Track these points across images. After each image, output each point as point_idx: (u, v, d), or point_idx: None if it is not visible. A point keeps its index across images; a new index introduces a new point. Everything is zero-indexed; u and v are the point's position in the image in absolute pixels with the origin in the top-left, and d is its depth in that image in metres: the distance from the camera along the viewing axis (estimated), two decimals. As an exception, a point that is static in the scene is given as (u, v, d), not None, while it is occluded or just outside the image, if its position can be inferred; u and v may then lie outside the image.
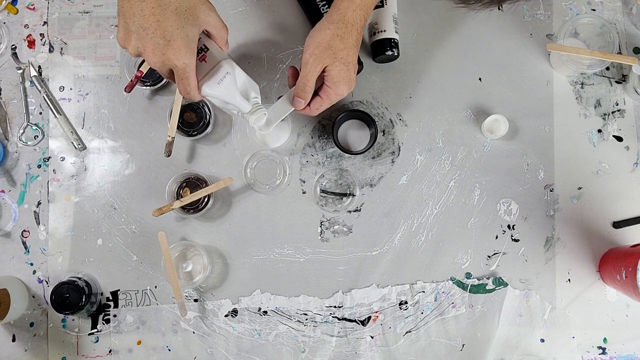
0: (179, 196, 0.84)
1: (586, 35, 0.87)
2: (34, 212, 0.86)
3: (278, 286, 0.84)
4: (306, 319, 0.84)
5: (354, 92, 0.88)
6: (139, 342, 0.84)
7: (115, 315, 0.84)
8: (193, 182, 0.84)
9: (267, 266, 0.85)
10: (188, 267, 0.83)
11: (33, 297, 0.85)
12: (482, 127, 0.85)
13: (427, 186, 0.86)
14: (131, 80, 0.83)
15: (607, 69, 0.88)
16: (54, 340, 0.84)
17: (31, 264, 0.85)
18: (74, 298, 0.79)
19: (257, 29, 0.89)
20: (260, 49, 0.89)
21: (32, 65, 0.88)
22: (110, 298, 0.84)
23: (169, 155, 0.83)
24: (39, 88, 0.88)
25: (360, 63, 0.85)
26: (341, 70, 0.71)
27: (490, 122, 0.84)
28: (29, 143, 0.87)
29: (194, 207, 0.83)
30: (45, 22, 0.90)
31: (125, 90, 0.83)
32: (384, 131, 0.87)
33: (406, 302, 0.84)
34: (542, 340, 0.84)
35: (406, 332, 0.84)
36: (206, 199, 0.83)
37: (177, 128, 0.83)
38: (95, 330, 0.84)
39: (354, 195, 0.85)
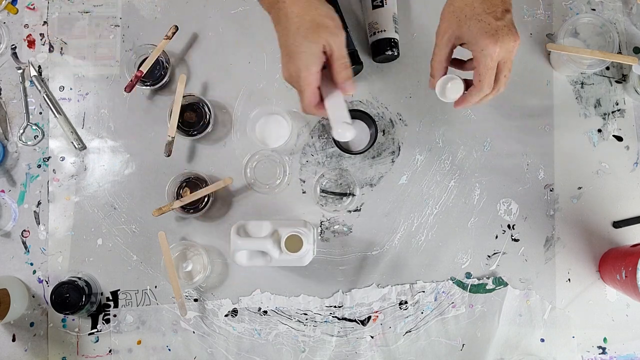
0: (179, 196, 0.84)
1: (586, 35, 0.87)
2: (34, 212, 0.86)
3: (278, 286, 0.84)
4: (306, 319, 0.84)
5: (354, 92, 0.88)
6: (139, 342, 0.84)
7: (115, 315, 0.84)
8: (193, 182, 0.84)
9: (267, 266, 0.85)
10: (188, 267, 0.83)
11: (33, 297, 0.85)
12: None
13: (427, 186, 0.86)
14: (131, 80, 0.83)
15: (607, 68, 0.88)
16: (54, 340, 0.84)
17: (31, 264, 0.85)
18: (74, 298, 0.79)
19: (257, 29, 0.89)
20: (260, 48, 0.88)
21: (32, 65, 0.88)
22: (110, 298, 0.84)
23: (169, 155, 0.83)
24: (39, 88, 0.88)
25: (360, 63, 0.85)
26: (472, 27, 0.62)
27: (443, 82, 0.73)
28: (28, 143, 0.87)
29: (194, 207, 0.83)
30: (45, 22, 0.90)
31: (125, 90, 0.83)
32: (384, 131, 0.87)
33: (406, 302, 0.84)
34: (542, 340, 0.84)
35: (406, 332, 0.84)
36: (206, 199, 0.83)
37: (177, 128, 0.83)
38: (95, 330, 0.84)
39: (354, 195, 0.85)
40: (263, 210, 0.86)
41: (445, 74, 0.68)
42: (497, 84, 0.64)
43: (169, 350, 0.83)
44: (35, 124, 0.87)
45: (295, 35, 0.60)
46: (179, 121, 0.83)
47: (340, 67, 0.63)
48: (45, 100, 0.87)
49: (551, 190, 0.86)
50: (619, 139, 0.87)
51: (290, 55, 0.61)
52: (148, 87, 0.86)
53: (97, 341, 0.84)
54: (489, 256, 0.85)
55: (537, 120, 0.87)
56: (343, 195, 0.86)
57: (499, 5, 0.62)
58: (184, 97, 0.83)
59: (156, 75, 0.86)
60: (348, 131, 0.66)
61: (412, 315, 0.84)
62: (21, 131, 0.87)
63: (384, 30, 0.84)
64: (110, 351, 0.83)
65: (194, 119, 0.85)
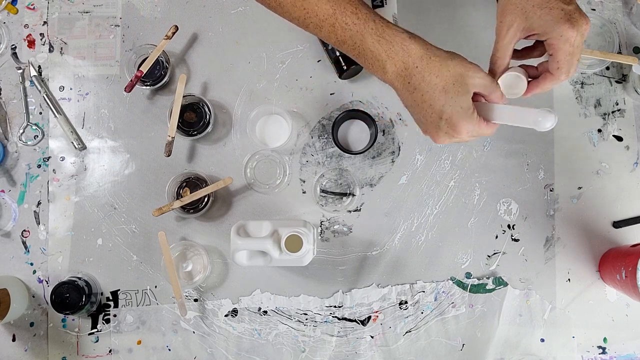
0: (179, 196, 0.84)
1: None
2: (34, 212, 0.86)
3: (278, 286, 0.84)
4: (306, 319, 0.84)
5: (353, 92, 0.88)
6: (139, 342, 0.84)
7: (115, 315, 0.84)
8: (193, 182, 0.84)
9: (267, 266, 0.85)
10: (188, 267, 0.83)
11: (33, 297, 0.85)
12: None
13: (427, 186, 0.86)
14: (131, 80, 0.83)
15: (607, 68, 0.88)
16: (54, 340, 0.84)
17: (31, 264, 0.85)
18: (74, 298, 0.79)
19: (257, 29, 0.89)
20: (260, 48, 0.89)
21: (32, 65, 0.88)
22: (110, 298, 0.84)
23: (169, 155, 0.83)
24: (39, 88, 0.88)
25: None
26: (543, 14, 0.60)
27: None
28: (28, 143, 0.87)
29: (194, 207, 0.83)
30: (45, 22, 0.90)
31: (125, 90, 0.83)
32: (384, 131, 0.87)
33: (406, 302, 0.84)
34: (542, 340, 0.84)
35: (406, 332, 0.84)
36: (206, 199, 0.83)
37: (177, 128, 0.83)
38: (95, 330, 0.84)
39: (354, 195, 0.85)
40: (263, 210, 0.86)
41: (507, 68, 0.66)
42: (571, 69, 0.63)
43: (169, 350, 0.83)
44: (35, 124, 0.87)
45: (444, 94, 0.57)
46: (179, 121, 0.83)
47: (497, 97, 0.61)
48: (45, 100, 0.87)
49: (551, 190, 0.86)
50: (619, 139, 0.87)
51: (445, 118, 0.58)
52: (148, 87, 0.86)
53: (97, 341, 0.84)
54: (489, 256, 0.85)
55: (537, 120, 0.87)
56: (343, 195, 0.86)
57: None
58: (184, 97, 0.83)
59: (156, 75, 0.86)
60: (550, 114, 0.60)
61: (412, 315, 0.84)
62: (21, 131, 0.87)
63: (384, 30, 0.84)
64: (110, 351, 0.83)
65: (194, 119, 0.85)
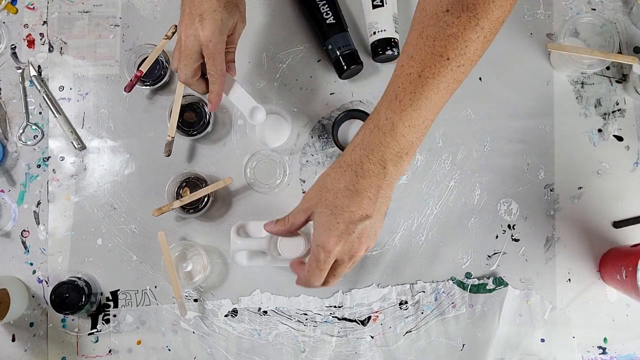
0: (178, 196, 0.84)
1: (586, 34, 0.87)
2: (34, 212, 0.86)
3: (278, 286, 0.84)
4: (306, 319, 0.84)
5: (353, 92, 0.88)
6: (139, 342, 0.84)
7: (115, 315, 0.84)
8: (193, 182, 0.84)
9: (267, 266, 0.85)
10: (188, 267, 0.83)
11: (33, 297, 0.84)
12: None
13: (427, 186, 0.86)
14: (131, 80, 0.83)
15: (608, 68, 0.88)
16: (53, 340, 0.84)
17: (31, 264, 0.85)
18: (74, 298, 0.79)
19: (257, 29, 0.89)
20: (260, 48, 0.88)
21: (32, 64, 0.88)
22: (110, 298, 0.84)
23: (168, 155, 0.83)
24: (39, 88, 0.88)
25: (360, 63, 0.85)
26: (322, 214, 0.59)
27: None
28: (28, 143, 0.87)
29: (193, 207, 0.83)
30: (44, 22, 0.90)
31: (125, 90, 0.83)
32: (384, 131, 0.87)
33: (406, 302, 0.84)
34: (543, 340, 0.83)
35: (406, 332, 0.84)
36: (206, 199, 0.83)
37: (177, 128, 0.83)
38: (95, 330, 0.84)
39: (354, 195, 0.85)
40: (263, 210, 0.86)
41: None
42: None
43: (169, 350, 0.83)
44: (35, 124, 0.87)
45: (216, 1, 0.62)
46: (178, 121, 0.83)
47: (231, 50, 0.70)
48: (45, 100, 0.87)
49: (551, 190, 0.86)
50: (619, 138, 0.87)
51: (203, 17, 0.63)
52: (148, 87, 0.86)
53: (96, 341, 0.84)
54: (489, 256, 0.85)
55: (537, 120, 0.87)
56: (343, 195, 0.85)
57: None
58: (183, 97, 0.83)
59: (156, 75, 0.86)
60: (259, 113, 0.73)
61: (412, 315, 0.84)
62: (21, 131, 0.87)
63: (384, 30, 0.84)
64: (110, 351, 0.83)
65: (194, 118, 0.85)
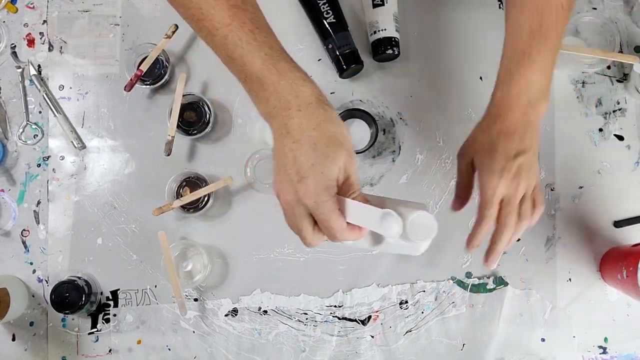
0: (179, 195, 0.84)
1: (587, 33, 0.87)
2: (34, 211, 0.86)
3: (278, 285, 0.84)
4: (306, 319, 0.84)
5: (354, 91, 0.88)
6: (139, 342, 0.83)
7: (115, 315, 0.84)
8: (193, 181, 0.84)
9: (268, 265, 0.85)
10: (188, 267, 0.83)
11: (33, 296, 0.84)
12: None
13: (428, 185, 0.86)
14: (131, 79, 0.83)
15: (608, 67, 0.88)
16: (53, 339, 0.84)
17: (31, 263, 0.85)
18: (74, 297, 0.79)
19: (257, 28, 0.89)
20: (260, 47, 0.88)
21: (32, 64, 0.88)
22: (110, 297, 0.84)
23: (169, 154, 0.83)
24: (39, 87, 0.87)
25: (360, 62, 0.85)
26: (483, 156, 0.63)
27: None
28: (28, 142, 0.87)
29: (194, 207, 0.83)
30: (44, 21, 0.90)
31: (125, 89, 0.83)
32: (384, 130, 0.87)
33: (406, 302, 0.84)
34: (543, 340, 0.83)
35: (406, 332, 0.84)
36: (206, 198, 0.83)
37: (177, 127, 0.83)
38: (95, 329, 0.84)
39: (354, 195, 0.85)
40: (263, 210, 0.85)
41: None
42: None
43: (169, 349, 0.83)
44: (35, 123, 0.87)
45: (312, 151, 0.50)
46: (178, 120, 0.83)
47: (354, 194, 0.53)
48: (45, 100, 0.87)
49: (552, 190, 0.86)
50: (620, 138, 0.87)
51: (302, 176, 0.50)
52: (148, 86, 0.86)
53: (96, 341, 0.83)
54: (489, 256, 0.85)
55: (537, 120, 0.87)
56: (343, 194, 0.85)
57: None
58: (183, 96, 0.83)
59: (156, 74, 0.86)
60: (395, 222, 0.52)
61: (413, 314, 0.84)
62: (21, 130, 0.87)
63: (385, 29, 0.84)
64: (110, 351, 0.83)
65: (194, 118, 0.85)
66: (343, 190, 0.53)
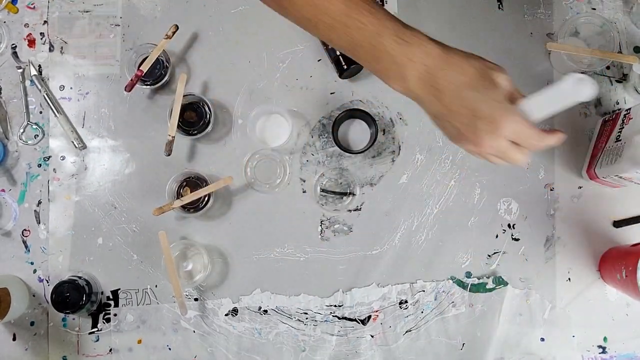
0: (179, 195, 0.84)
1: (586, 34, 0.87)
2: (35, 211, 0.86)
3: (278, 285, 0.84)
4: (306, 318, 0.84)
5: (353, 91, 0.88)
6: (140, 341, 0.84)
7: (115, 314, 0.84)
8: (193, 181, 0.84)
9: (268, 265, 0.85)
10: (188, 266, 0.83)
11: (33, 296, 0.85)
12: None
13: (428, 185, 0.86)
14: (131, 79, 0.83)
15: (608, 68, 0.88)
16: (54, 339, 0.84)
17: (31, 263, 0.85)
18: (74, 297, 0.79)
19: (257, 28, 0.89)
20: (260, 48, 0.88)
21: (32, 64, 0.88)
22: (111, 297, 0.84)
23: (169, 155, 0.83)
24: (39, 87, 0.88)
25: (360, 62, 0.85)
26: None
27: None
28: (29, 142, 0.87)
29: (194, 206, 0.83)
30: (45, 21, 0.90)
31: (125, 90, 0.83)
32: (384, 130, 0.87)
33: (406, 301, 0.84)
34: (542, 339, 0.84)
35: (406, 331, 0.84)
36: (206, 198, 0.83)
37: (178, 127, 0.83)
38: (96, 329, 0.84)
39: (354, 195, 0.85)
40: (263, 210, 0.86)
41: None
42: None
43: (169, 349, 0.83)
44: (36, 123, 0.87)
45: (475, 92, 0.52)
46: (179, 120, 0.83)
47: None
48: (46, 100, 0.87)
49: (551, 190, 0.86)
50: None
51: (485, 117, 0.52)
52: (148, 87, 0.86)
53: (97, 340, 0.84)
54: (489, 255, 0.85)
55: (537, 120, 0.87)
56: (343, 194, 0.86)
57: None
58: (184, 96, 0.83)
59: (156, 75, 0.86)
60: (588, 81, 0.52)
61: (412, 314, 0.84)
62: (21, 130, 0.87)
63: (384, 30, 0.84)
64: (110, 350, 0.83)
65: (194, 118, 0.85)
66: (514, 100, 0.54)
